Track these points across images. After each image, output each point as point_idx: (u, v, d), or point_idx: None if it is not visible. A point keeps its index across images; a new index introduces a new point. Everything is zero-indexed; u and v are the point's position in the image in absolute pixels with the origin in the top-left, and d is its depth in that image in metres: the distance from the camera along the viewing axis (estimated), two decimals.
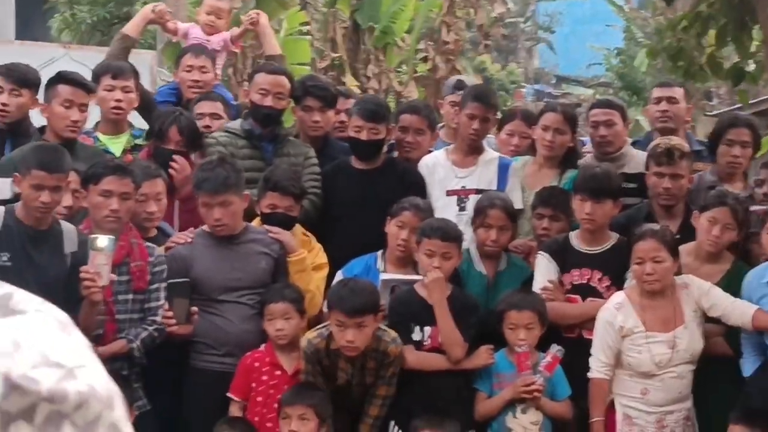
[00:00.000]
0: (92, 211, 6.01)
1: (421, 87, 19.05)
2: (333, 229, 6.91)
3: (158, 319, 6.06)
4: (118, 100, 7.08)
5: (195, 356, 6.28)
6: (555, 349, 6.11)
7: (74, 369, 1.00)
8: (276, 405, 6.06)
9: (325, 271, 6.64)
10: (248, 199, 6.48)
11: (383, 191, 6.80)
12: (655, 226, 6.23)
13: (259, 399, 6.12)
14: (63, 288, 5.75)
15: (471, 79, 9.93)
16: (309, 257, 6.56)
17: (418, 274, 6.40)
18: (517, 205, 6.96)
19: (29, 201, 5.70)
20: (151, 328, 6.04)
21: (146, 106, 7.52)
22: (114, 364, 5.97)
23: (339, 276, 6.44)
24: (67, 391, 0.98)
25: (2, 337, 0.99)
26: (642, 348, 6.09)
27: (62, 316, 1.09)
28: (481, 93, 7.37)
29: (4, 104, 7.02)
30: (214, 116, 7.35)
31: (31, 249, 5.75)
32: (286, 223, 6.53)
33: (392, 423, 6.16)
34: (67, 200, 6.14)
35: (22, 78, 7.01)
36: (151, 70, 9.18)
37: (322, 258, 6.68)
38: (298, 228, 6.66)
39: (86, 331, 5.77)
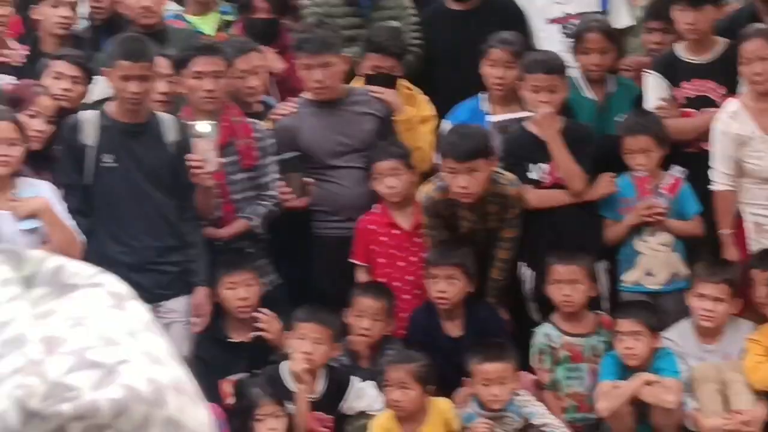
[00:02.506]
0: (188, 95, 5.98)
1: None
2: (437, 79, 6.74)
3: (274, 193, 6.05)
4: None
5: (316, 225, 6.23)
6: (675, 170, 5.93)
7: (116, 367, 0.89)
8: (402, 264, 6.05)
9: (433, 123, 6.48)
10: (349, 61, 6.37)
11: (483, 31, 6.56)
12: (762, 25, 5.93)
13: (381, 260, 6.07)
14: (170, 178, 5.79)
15: None
16: (415, 112, 6.42)
17: (526, 111, 6.24)
18: (626, 21, 6.78)
19: (120, 93, 5.69)
20: (268, 203, 6.03)
21: None
22: (239, 243, 6.04)
23: (446, 125, 6.31)
24: (98, 404, 0.86)
25: (34, 340, 0.87)
26: (762, 153, 5.85)
27: (119, 288, 0.98)
28: None
29: (97, 1, 7.02)
30: None
31: (132, 144, 5.77)
32: (390, 82, 6.39)
33: (522, 264, 6.08)
34: (162, 87, 6.11)
35: None
36: None
37: (428, 110, 6.52)
38: (401, 83, 6.49)
39: (205, 215, 5.87)
